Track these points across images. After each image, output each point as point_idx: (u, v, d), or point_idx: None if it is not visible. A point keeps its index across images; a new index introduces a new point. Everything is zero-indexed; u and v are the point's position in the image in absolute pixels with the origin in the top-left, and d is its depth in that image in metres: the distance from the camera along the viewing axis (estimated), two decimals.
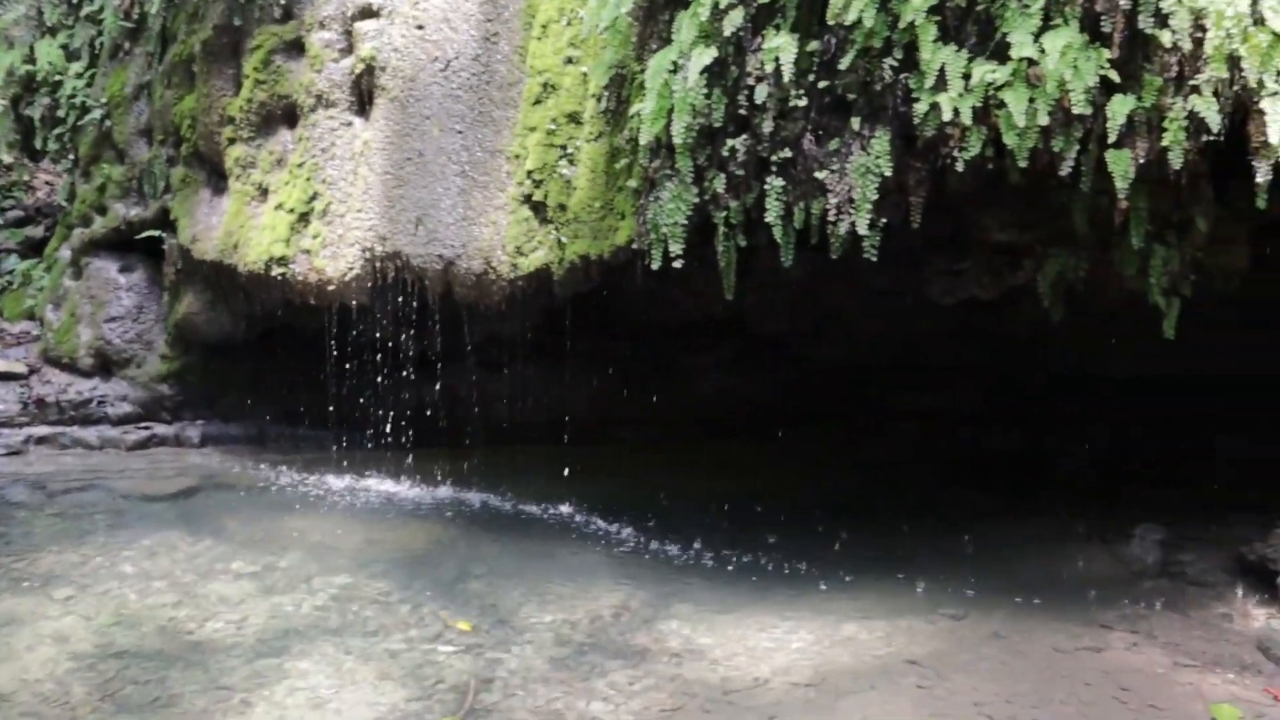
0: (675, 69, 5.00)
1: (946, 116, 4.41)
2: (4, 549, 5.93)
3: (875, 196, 4.65)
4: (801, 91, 4.82)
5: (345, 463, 7.44)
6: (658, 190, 5.18)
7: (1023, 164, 4.41)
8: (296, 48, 6.97)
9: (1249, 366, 7.03)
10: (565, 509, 6.63)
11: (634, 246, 5.44)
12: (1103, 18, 4.32)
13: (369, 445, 7.45)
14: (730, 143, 4.97)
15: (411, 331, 6.99)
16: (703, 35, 4.93)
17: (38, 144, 8.36)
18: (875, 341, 7.82)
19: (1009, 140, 4.36)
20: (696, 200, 5.03)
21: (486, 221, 6.19)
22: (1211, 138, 4.31)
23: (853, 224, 4.70)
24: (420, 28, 6.47)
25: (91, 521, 6.57)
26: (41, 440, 7.71)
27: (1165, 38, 4.24)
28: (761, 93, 4.83)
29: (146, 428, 7.86)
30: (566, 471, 6.97)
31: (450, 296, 6.41)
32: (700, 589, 5.49)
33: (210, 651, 4.79)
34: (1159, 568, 5.36)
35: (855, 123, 4.73)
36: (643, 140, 5.11)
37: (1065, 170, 4.44)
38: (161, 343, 7.89)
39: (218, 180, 7.40)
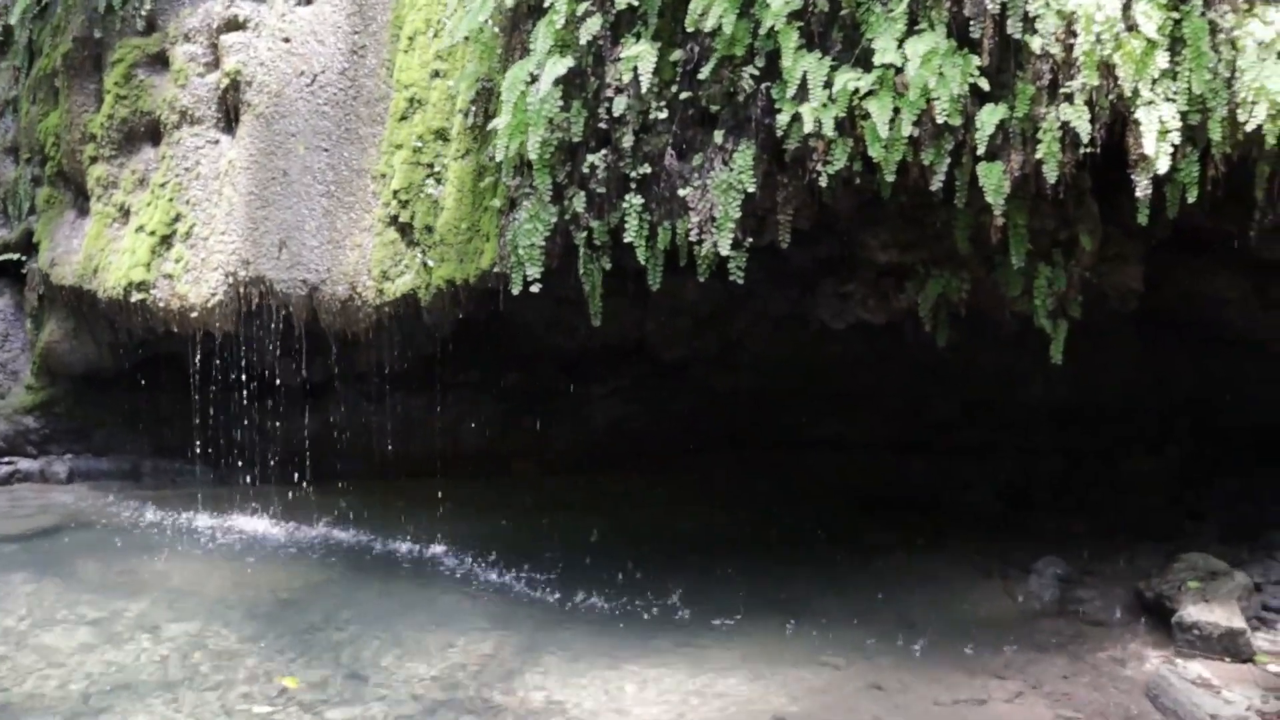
0: (533, 80, 4.67)
1: (809, 128, 4.11)
2: None
3: (738, 214, 4.34)
4: (663, 103, 4.51)
5: (217, 499, 6.98)
6: (517, 210, 4.84)
7: (890, 178, 4.12)
8: (160, 61, 6.57)
9: (1161, 392, 6.81)
10: (442, 549, 6.23)
11: (496, 270, 5.08)
12: (971, 22, 4.06)
13: (245, 481, 7.00)
14: (590, 158, 4.64)
15: (282, 361, 6.59)
16: (559, 44, 4.61)
17: None
18: (782, 368, 7.50)
19: (874, 153, 4.07)
20: (554, 220, 4.69)
21: (352, 244, 5.81)
22: (1087, 150, 4.06)
23: (715, 244, 4.38)
24: (286, 40, 6.10)
25: None
26: None
27: (1035, 43, 3.98)
28: (620, 104, 4.52)
29: (9, 463, 7.36)
30: (448, 509, 6.57)
31: (318, 324, 6.01)
32: (574, 638, 5.10)
33: (22, 712, 4.37)
34: (1056, 605, 5.06)
35: (718, 136, 4.42)
36: (498, 156, 4.77)
37: (936, 185, 4.16)
38: (28, 372, 7.40)
39: (83, 201, 6.97)
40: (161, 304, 6.28)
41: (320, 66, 5.98)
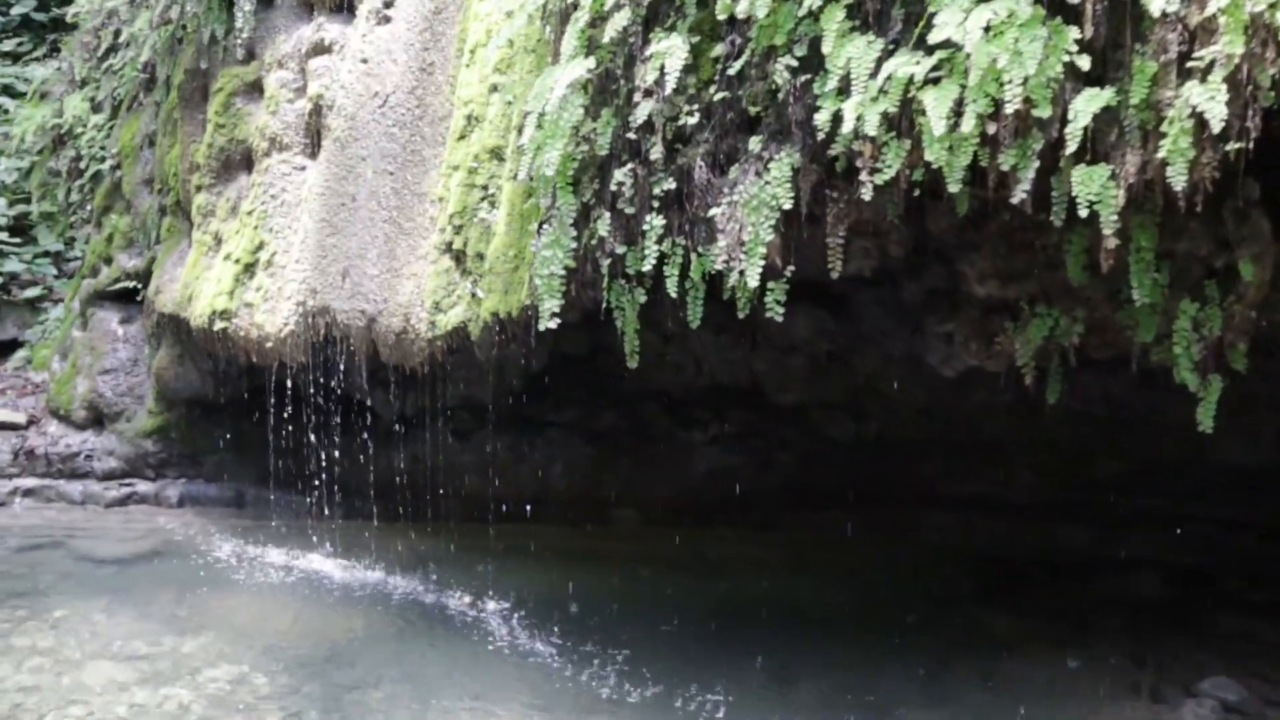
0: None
1: (848, 128, 3.28)
2: None
3: (770, 236, 3.55)
4: (695, 107, 3.80)
5: (295, 535, 6.80)
6: (542, 235, 4.25)
7: (954, 188, 3.21)
8: (257, 89, 6.51)
9: None
10: (506, 605, 5.69)
11: (529, 303, 4.51)
12: None
13: (326, 515, 6.79)
14: (617, 174, 3.99)
15: (371, 394, 6.32)
16: (584, 45, 4.00)
17: (60, 195, 8.35)
18: (918, 416, 6.48)
19: (932, 155, 3.19)
20: (574, 246, 4.06)
21: (409, 273, 5.43)
22: (1236, 145, 2.99)
23: (743, 273, 3.60)
24: (364, 61, 5.84)
25: (30, 582, 6.25)
26: (29, 492, 7.52)
27: (1154, 5, 2.97)
28: (644, 110, 3.84)
29: (129, 484, 7.53)
30: (522, 559, 6.05)
31: (378, 356, 5.67)
32: None
33: None
34: None
35: (755, 144, 3.65)
36: (520, 174, 4.21)
37: (1019, 196, 3.21)
38: (150, 397, 7.56)
39: (191, 230, 7.03)
40: (241, 333, 6.16)
41: (392, 86, 5.67)
